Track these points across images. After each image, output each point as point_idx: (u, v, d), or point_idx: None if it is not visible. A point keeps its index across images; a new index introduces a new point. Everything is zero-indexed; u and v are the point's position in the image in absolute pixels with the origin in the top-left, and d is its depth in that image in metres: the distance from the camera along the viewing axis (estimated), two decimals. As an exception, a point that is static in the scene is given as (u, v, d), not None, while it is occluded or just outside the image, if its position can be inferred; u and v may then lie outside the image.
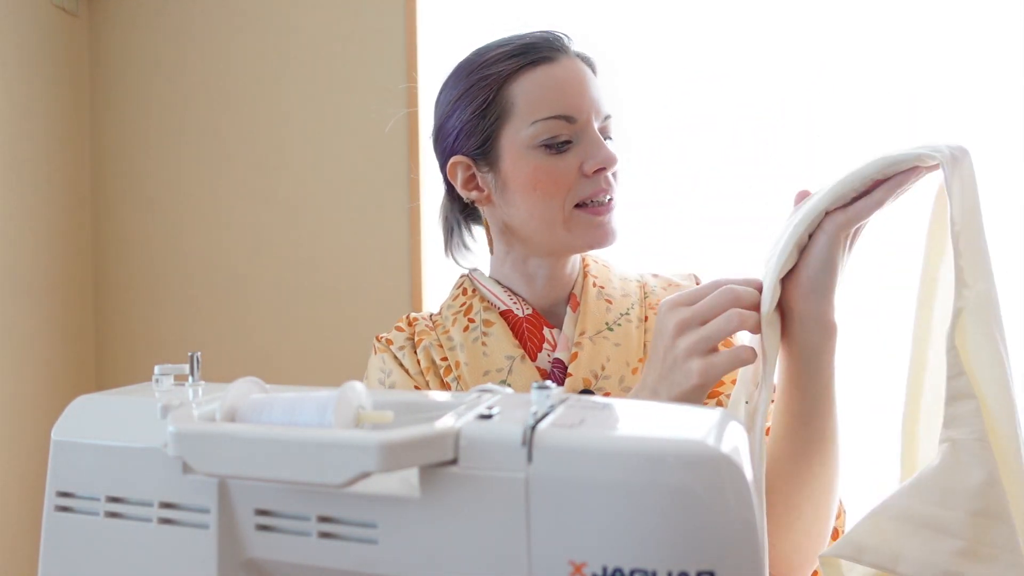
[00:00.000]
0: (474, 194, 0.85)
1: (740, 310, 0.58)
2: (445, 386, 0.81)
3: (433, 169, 1.84)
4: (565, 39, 0.82)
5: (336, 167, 1.88)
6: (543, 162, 0.77)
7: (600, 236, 0.79)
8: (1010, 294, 1.53)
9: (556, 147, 0.77)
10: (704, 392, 0.59)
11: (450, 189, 0.91)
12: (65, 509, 0.42)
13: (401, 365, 0.83)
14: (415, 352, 0.83)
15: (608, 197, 0.79)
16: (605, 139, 0.80)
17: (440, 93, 0.88)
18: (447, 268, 1.77)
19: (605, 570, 0.32)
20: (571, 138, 0.77)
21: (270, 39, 1.93)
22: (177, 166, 2.00)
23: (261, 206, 1.94)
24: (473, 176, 0.84)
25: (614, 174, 0.80)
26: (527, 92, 0.78)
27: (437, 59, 1.84)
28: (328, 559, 0.37)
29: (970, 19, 1.55)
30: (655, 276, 0.91)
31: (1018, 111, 1.53)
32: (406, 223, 1.83)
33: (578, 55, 0.82)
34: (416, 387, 0.81)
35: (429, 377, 0.82)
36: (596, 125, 0.79)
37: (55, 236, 1.94)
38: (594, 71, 0.83)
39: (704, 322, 0.59)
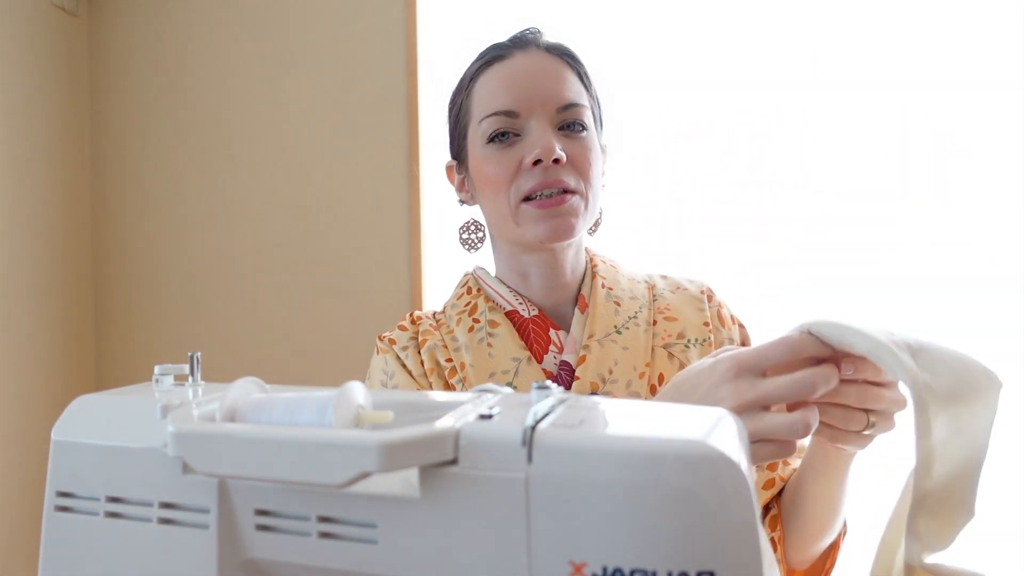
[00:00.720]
0: (463, 195, 0.88)
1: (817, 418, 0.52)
2: (449, 388, 0.80)
3: (434, 170, 1.85)
4: (530, 34, 0.82)
5: (336, 167, 1.88)
6: (491, 157, 0.79)
7: (546, 230, 0.77)
8: (1010, 294, 1.53)
9: (501, 141, 0.78)
10: None
11: None
12: (65, 509, 0.42)
13: (404, 366, 0.82)
14: (419, 353, 0.82)
15: (557, 190, 0.76)
16: (570, 128, 0.78)
17: None
18: (447, 268, 1.79)
19: (605, 570, 0.32)
20: (518, 131, 0.78)
21: (270, 39, 1.93)
22: (177, 166, 2.00)
23: (261, 206, 1.94)
24: (461, 177, 0.87)
25: (575, 166, 0.77)
26: (480, 91, 0.80)
27: (437, 59, 1.84)
28: (328, 559, 0.37)
29: (967, 23, 1.55)
30: (664, 278, 0.90)
31: (1017, 113, 1.53)
32: (406, 223, 1.83)
33: (547, 47, 0.81)
34: (419, 389, 0.81)
35: (432, 379, 0.81)
36: (550, 118, 0.77)
37: (55, 236, 1.94)
38: (572, 61, 0.82)
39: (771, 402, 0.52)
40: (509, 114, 0.77)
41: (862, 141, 1.60)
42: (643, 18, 1.71)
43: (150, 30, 2.02)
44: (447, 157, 0.90)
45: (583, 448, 0.33)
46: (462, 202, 0.89)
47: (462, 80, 0.84)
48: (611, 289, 0.84)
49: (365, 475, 0.33)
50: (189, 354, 0.46)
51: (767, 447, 0.52)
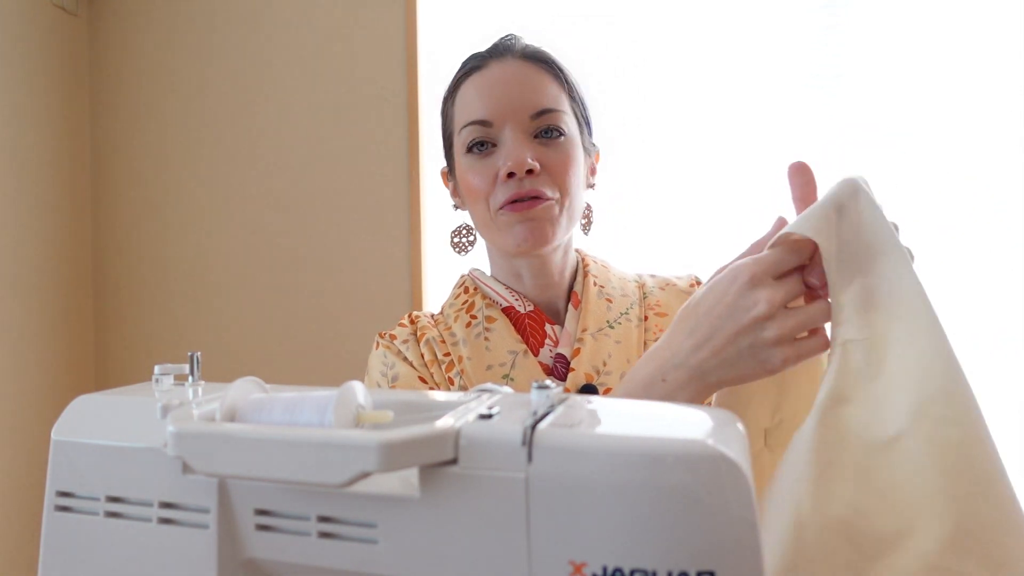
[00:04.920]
0: (456, 200, 0.90)
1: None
2: (449, 380, 0.82)
3: (433, 170, 1.85)
4: (510, 43, 0.83)
5: (336, 167, 1.88)
6: (470, 166, 0.81)
7: (522, 235, 0.78)
8: (1010, 293, 1.53)
9: (479, 151, 0.80)
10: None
11: None
12: (65, 509, 0.42)
13: (405, 359, 0.84)
14: (419, 346, 0.84)
15: (530, 198, 0.77)
16: (547, 134, 0.78)
17: None
18: (447, 268, 1.79)
19: (605, 570, 0.32)
20: (495, 141, 0.79)
21: (270, 39, 1.93)
22: (177, 166, 2.00)
23: (261, 206, 1.94)
24: (454, 185, 0.89)
25: (551, 174, 0.78)
26: (459, 101, 0.82)
27: (437, 59, 1.84)
28: (328, 559, 0.37)
29: (973, 20, 1.55)
30: (652, 276, 0.92)
31: (1018, 111, 1.53)
32: (406, 223, 1.83)
33: (524, 53, 0.81)
34: (420, 378, 0.82)
35: (433, 369, 0.83)
36: (524, 125, 0.78)
37: (55, 236, 1.94)
38: (549, 66, 0.81)
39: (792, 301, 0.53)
40: (484, 124, 0.79)
41: (857, 141, 1.60)
42: (636, 16, 1.72)
43: (150, 30, 2.02)
44: (443, 161, 0.91)
45: (583, 448, 0.33)
46: (456, 207, 0.91)
47: (448, 89, 0.86)
48: (602, 287, 0.87)
49: (365, 475, 0.33)
50: (189, 354, 0.46)
51: (812, 341, 0.53)
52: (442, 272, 1.82)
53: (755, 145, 1.65)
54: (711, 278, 0.58)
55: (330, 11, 1.89)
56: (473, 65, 0.82)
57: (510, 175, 0.77)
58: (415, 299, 1.82)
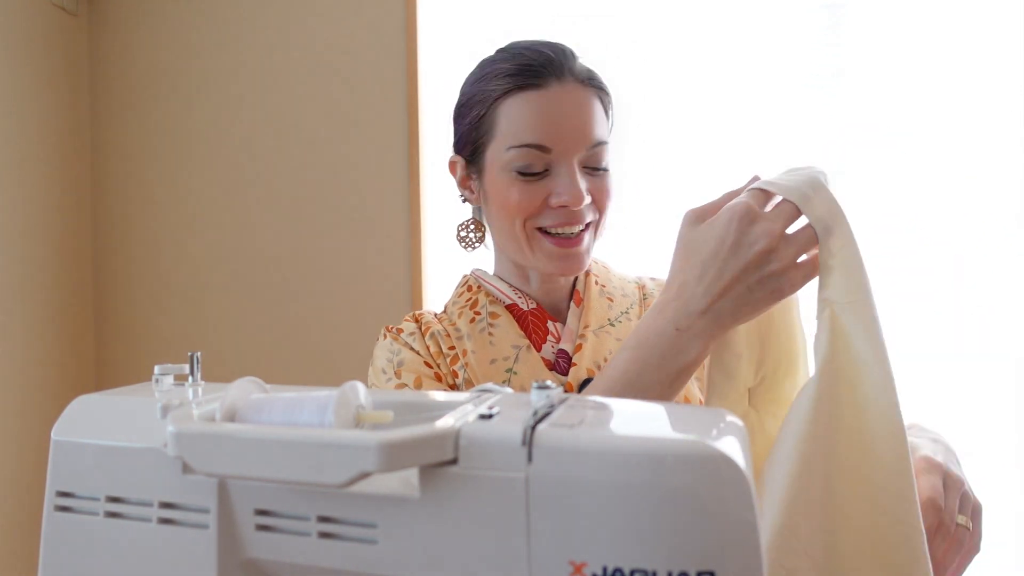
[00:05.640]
0: (467, 193, 0.89)
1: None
2: (453, 373, 0.83)
3: (433, 169, 1.85)
4: (566, 60, 0.80)
5: (336, 167, 1.88)
6: (515, 186, 0.78)
7: (562, 267, 0.81)
8: (1010, 293, 1.53)
9: (529, 175, 0.78)
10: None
11: None
12: (65, 509, 0.42)
13: (411, 348, 0.85)
14: (424, 339, 0.85)
15: (576, 230, 0.80)
16: (594, 168, 0.79)
17: (460, 89, 0.89)
18: (447, 268, 1.79)
19: (605, 570, 0.32)
20: (547, 166, 0.78)
21: (270, 39, 1.93)
22: (177, 166, 2.00)
23: (261, 206, 1.94)
24: (467, 177, 0.87)
25: (595, 202, 0.80)
26: (510, 117, 0.79)
27: (437, 59, 1.84)
28: (328, 559, 0.37)
29: (974, 20, 1.55)
30: (653, 279, 0.94)
31: (1018, 111, 1.53)
32: (406, 223, 1.83)
33: (581, 75, 0.79)
34: (426, 363, 0.83)
35: (440, 361, 0.83)
36: (579, 156, 0.78)
37: (55, 236, 1.94)
38: (603, 91, 0.82)
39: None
40: (541, 149, 0.77)
41: (857, 141, 1.59)
42: (636, 16, 1.71)
43: (150, 30, 2.02)
44: (447, 149, 0.90)
45: (583, 448, 0.33)
46: (464, 199, 0.90)
47: (483, 91, 0.81)
48: (604, 286, 0.89)
49: (365, 475, 0.33)
50: (189, 354, 0.46)
51: (810, 263, 0.56)
52: (442, 272, 1.82)
53: (755, 145, 1.65)
54: (683, 223, 0.61)
55: (330, 11, 1.89)
56: (528, 82, 0.78)
57: (562, 205, 0.78)
58: (415, 299, 1.82)
